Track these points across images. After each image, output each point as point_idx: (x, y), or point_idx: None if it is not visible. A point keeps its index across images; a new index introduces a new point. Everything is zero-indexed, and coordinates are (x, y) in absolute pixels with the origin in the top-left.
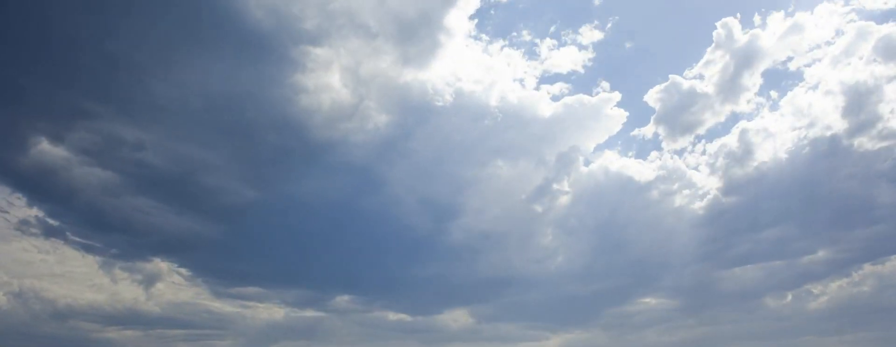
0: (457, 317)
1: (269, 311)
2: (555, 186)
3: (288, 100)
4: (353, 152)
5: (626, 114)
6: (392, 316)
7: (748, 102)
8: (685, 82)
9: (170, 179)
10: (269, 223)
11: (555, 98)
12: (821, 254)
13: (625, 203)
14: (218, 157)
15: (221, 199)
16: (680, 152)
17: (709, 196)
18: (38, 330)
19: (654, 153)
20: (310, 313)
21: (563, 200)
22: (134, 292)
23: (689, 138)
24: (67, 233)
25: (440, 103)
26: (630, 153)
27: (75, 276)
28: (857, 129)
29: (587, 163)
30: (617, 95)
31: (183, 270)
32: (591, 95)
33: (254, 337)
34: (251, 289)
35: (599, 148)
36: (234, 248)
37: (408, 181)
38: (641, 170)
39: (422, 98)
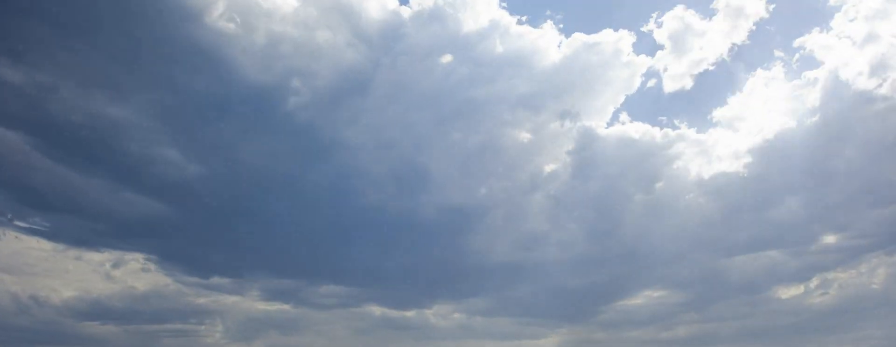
0: (447, 312)
1: (247, 305)
2: (553, 159)
3: (188, 18)
4: (300, 103)
5: (648, 64)
6: (377, 310)
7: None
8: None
9: (88, 141)
10: (225, 203)
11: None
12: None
13: (639, 178)
14: (128, 111)
15: (154, 171)
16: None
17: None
18: (10, 323)
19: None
20: (289, 307)
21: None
22: (98, 282)
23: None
24: (8, 214)
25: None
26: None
27: (33, 265)
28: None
29: (601, 127)
30: (627, 36)
31: (143, 257)
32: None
33: (235, 333)
34: (222, 280)
35: (616, 111)
36: (193, 233)
37: (376, 147)
38: (655, 137)
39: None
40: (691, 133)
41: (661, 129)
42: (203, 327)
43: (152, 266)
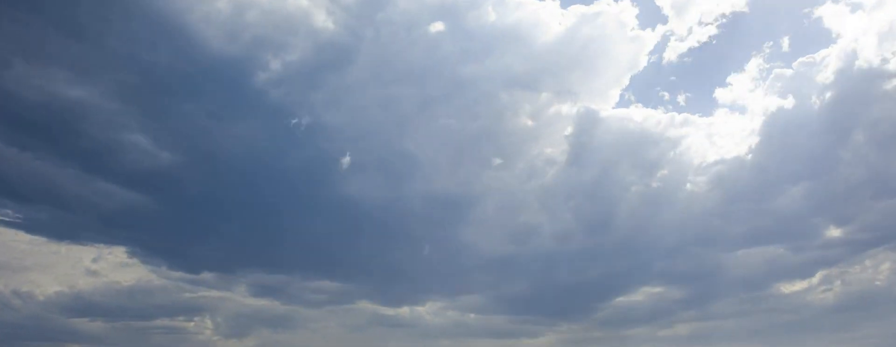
0: (440, 309)
1: (237, 301)
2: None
3: None
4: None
5: (655, 40)
6: (369, 307)
7: None
8: None
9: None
10: (204, 194)
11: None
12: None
13: (641, 165)
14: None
15: (126, 158)
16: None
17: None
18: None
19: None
20: (279, 303)
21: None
22: (80, 277)
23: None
24: None
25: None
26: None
27: (16, 259)
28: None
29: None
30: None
31: (126, 251)
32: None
33: (226, 330)
34: (209, 275)
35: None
36: (175, 225)
37: (358, 130)
38: (660, 121)
39: None
40: (695, 118)
41: (667, 112)
42: (192, 323)
43: (135, 261)
